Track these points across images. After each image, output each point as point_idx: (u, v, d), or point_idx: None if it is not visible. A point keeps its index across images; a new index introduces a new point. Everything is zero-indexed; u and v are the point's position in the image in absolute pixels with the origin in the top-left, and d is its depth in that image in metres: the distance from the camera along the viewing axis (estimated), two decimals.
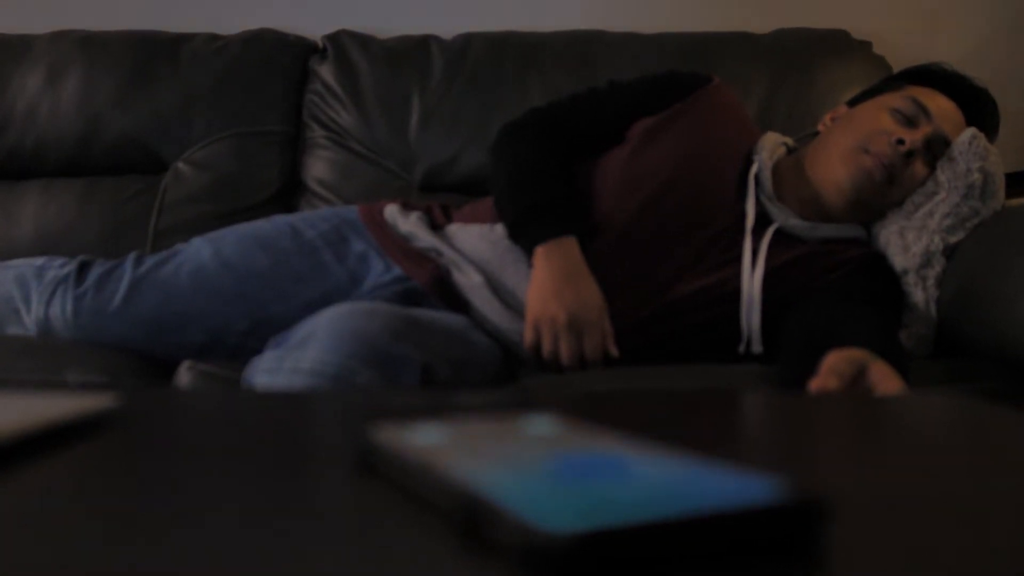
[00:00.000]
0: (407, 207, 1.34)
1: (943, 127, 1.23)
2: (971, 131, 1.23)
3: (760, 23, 1.83)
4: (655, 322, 1.19)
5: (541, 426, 0.35)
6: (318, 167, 1.78)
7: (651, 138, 1.28)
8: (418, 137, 1.75)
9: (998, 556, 0.25)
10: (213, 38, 1.84)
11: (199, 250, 1.29)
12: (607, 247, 1.21)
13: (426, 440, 0.32)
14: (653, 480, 0.26)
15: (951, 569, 0.24)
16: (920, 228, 1.21)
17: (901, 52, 1.79)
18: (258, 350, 1.06)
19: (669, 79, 1.34)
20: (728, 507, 0.24)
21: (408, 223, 1.29)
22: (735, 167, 1.27)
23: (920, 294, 1.19)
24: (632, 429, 0.43)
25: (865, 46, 1.80)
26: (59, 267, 1.30)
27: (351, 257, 1.26)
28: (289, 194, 1.79)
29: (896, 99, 1.25)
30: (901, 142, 1.20)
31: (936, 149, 1.23)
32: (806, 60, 1.76)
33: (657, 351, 1.18)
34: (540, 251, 1.17)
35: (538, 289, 1.15)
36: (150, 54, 1.80)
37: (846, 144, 1.23)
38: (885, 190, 1.22)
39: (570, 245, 1.18)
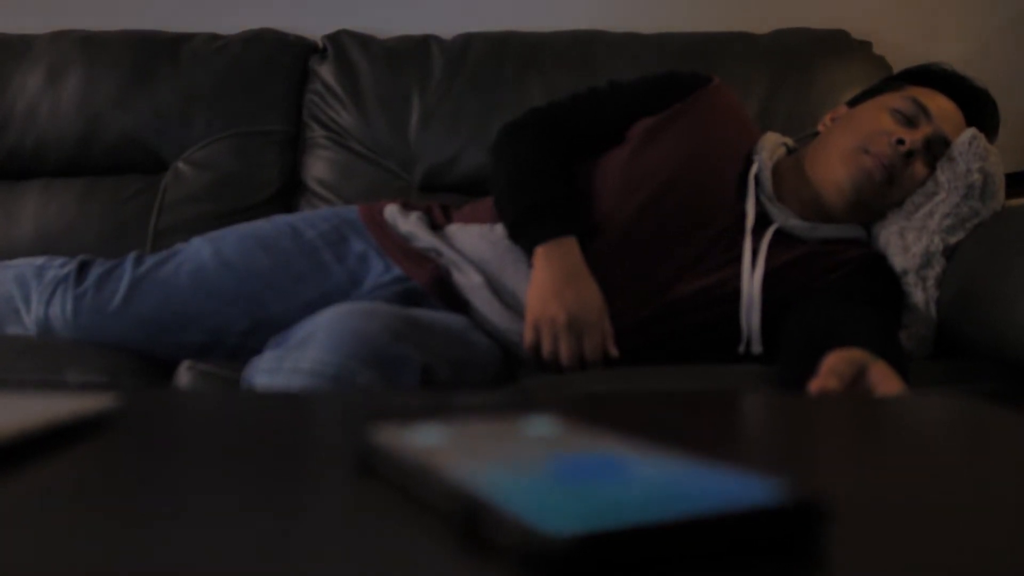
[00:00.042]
0: (407, 207, 1.34)
1: (943, 127, 1.23)
2: (971, 131, 1.23)
3: (760, 23, 1.83)
4: (655, 322, 1.19)
5: (541, 427, 0.35)
6: (318, 167, 1.78)
7: (651, 138, 1.28)
8: (418, 137, 1.75)
9: (998, 556, 0.25)
10: (213, 38, 1.84)
11: (199, 250, 1.29)
12: (607, 247, 1.21)
13: (426, 441, 0.32)
14: (653, 481, 0.26)
15: (951, 569, 0.24)
16: (920, 228, 1.21)
17: (901, 52, 1.79)
18: (258, 350, 1.06)
19: (669, 79, 1.34)
20: (728, 508, 0.24)
21: (408, 223, 1.29)
22: (735, 167, 1.27)
23: (920, 295, 1.19)
24: (632, 430, 0.43)
25: (865, 46, 1.80)
26: (59, 267, 1.30)
27: (351, 257, 1.26)
28: (289, 194, 1.79)
29: (896, 99, 1.25)
30: (901, 142, 1.20)
31: (936, 149, 1.23)
32: (806, 60, 1.76)
33: (657, 351, 1.18)
34: (540, 251, 1.17)
35: (538, 289, 1.15)
36: (150, 54, 1.80)
37: (846, 144, 1.23)
38: (885, 190, 1.22)
39: (570, 245, 1.18)
